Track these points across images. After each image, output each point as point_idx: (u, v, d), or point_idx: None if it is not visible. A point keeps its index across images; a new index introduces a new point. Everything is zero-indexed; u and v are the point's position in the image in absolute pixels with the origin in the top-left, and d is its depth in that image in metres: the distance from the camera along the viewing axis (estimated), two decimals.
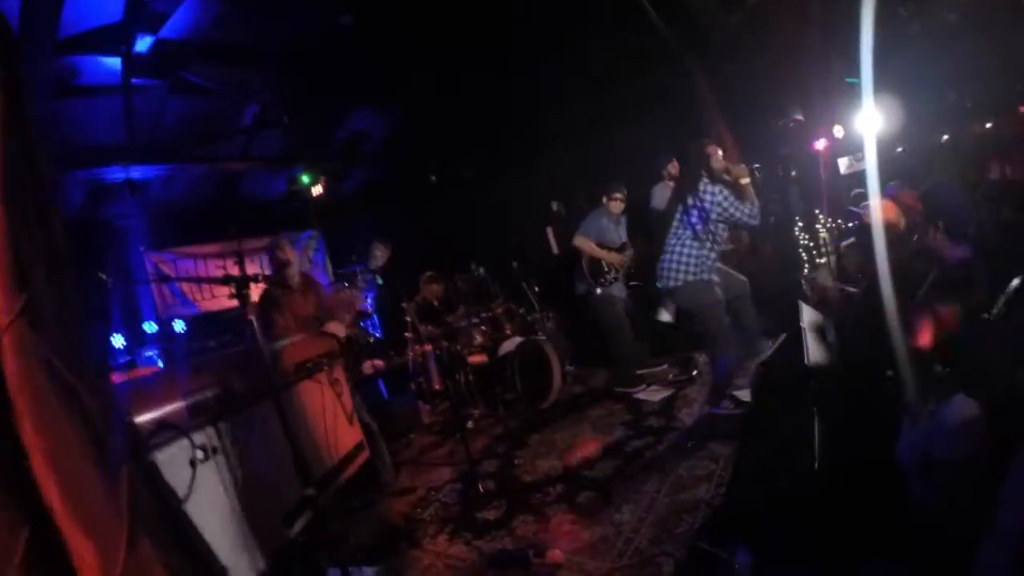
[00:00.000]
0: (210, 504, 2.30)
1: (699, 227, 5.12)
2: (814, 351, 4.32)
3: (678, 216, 5.25)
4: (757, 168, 5.61)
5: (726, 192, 5.03)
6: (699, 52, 8.30)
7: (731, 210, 5.04)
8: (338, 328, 4.36)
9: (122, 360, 7.88)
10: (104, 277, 2.62)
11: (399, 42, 7.58)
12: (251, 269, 9.57)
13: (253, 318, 2.44)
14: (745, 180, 5.01)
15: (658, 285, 5.37)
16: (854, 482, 2.99)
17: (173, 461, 2.15)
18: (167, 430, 2.06)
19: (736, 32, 7.94)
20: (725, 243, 5.38)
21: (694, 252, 5.13)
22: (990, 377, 2.32)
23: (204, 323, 8.85)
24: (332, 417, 3.31)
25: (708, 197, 5.06)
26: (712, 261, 5.19)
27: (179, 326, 8.59)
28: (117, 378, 2.63)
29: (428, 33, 7.43)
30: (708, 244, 5.14)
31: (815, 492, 3.21)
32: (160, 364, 8.39)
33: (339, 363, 3.55)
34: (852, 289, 5.00)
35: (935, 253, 2.88)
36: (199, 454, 2.25)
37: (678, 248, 5.18)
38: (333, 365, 3.44)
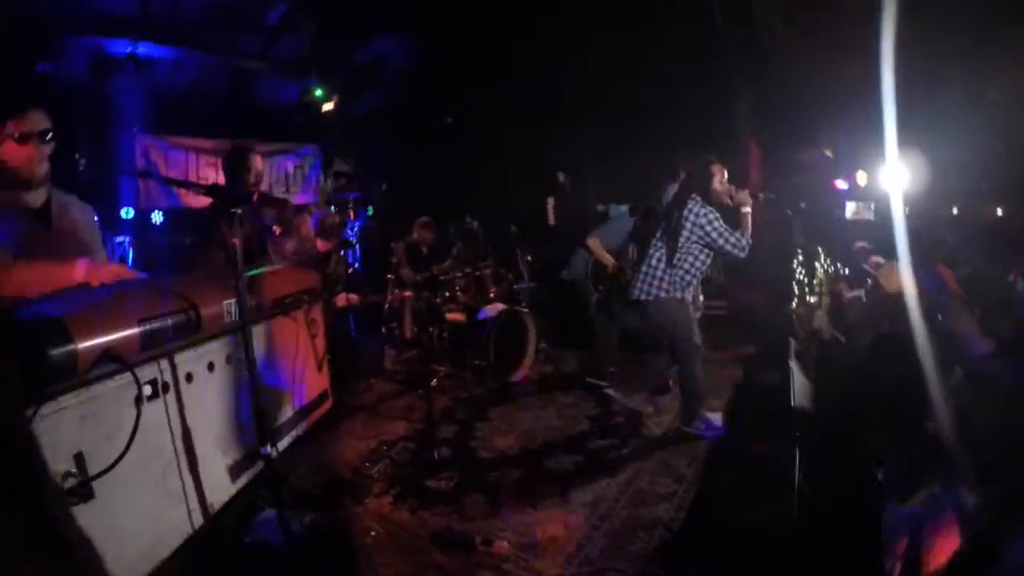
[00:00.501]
0: (152, 448, 2.07)
1: (673, 246, 4.87)
2: (800, 390, 4.17)
3: (660, 230, 5.04)
4: (771, 197, 5.38)
5: (713, 216, 4.76)
6: (749, 60, 8.05)
7: (714, 236, 4.75)
8: None
9: None
10: (78, 158, 2.35)
11: None
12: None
13: (233, 240, 2.17)
14: (746, 209, 4.82)
15: (631, 296, 5.13)
16: (832, 535, 2.87)
17: (116, 398, 1.89)
18: (110, 361, 1.80)
19: (790, 51, 7.72)
20: (707, 270, 5.08)
21: (666, 270, 4.90)
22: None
23: (184, 217, 8.50)
24: (303, 361, 3.07)
25: (692, 218, 4.78)
26: (686, 282, 4.95)
27: (157, 217, 8.27)
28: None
29: None
30: (683, 267, 4.89)
31: (788, 537, 3.09)
32: (130, 253, 8.11)
33: (319, 301, 3.31)
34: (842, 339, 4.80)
35: (960, 339, 2.72)
36: (147, 390, 2.00)
37: (653, 263, 4.97)
38: (313, 303, 3.20)
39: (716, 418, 5.18)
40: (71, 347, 1.72)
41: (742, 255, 4.78)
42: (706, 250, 4.89)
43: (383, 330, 7.10)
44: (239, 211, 2.21)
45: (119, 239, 8.11)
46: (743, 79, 8.57)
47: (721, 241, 4.73)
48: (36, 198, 2.56)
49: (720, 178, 4.87)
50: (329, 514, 3.87)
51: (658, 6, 7.46)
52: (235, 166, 4.40)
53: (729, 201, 4.87)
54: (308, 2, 7.90)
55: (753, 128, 8.68)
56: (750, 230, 4.80)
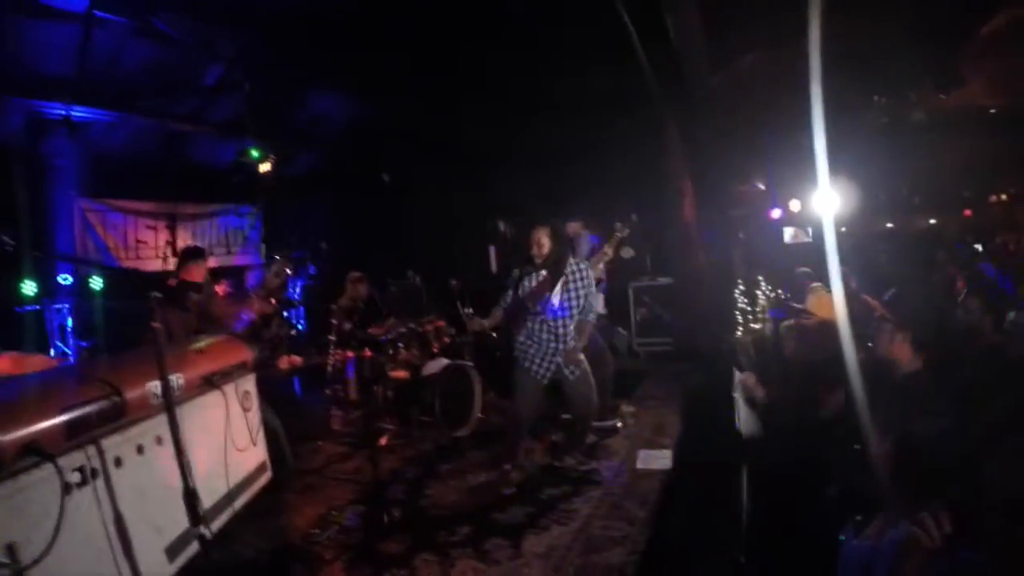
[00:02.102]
0: (84, 535, 2.03)
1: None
2: (745, 420, 4.23)
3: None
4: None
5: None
6: (677, 102, 8.28)
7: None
8: None
9: (29, 308, 7.53)
10: (6, 239, 2.30)
11: (376, 31, 7.33)
12: (182, 236, 9.26)
13: (157, 323, 2.16)
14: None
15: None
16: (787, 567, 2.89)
17: (42, 488, 1.86)
18: (32, 453, 1.77)
19: (717, 91, 7.96)
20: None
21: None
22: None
23: (123, 281, 8.35)
24: (235, 436, 3.02)
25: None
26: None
27: (96, 282, 8.12)
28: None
29: (408, 29, 7.21)
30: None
31: None
32: (69, 321, 7.96)
33: (251, 375, 3.26)
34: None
35: (893, 362, 2.79)
36: (75, 477, 1.97)
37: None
38: (245, 376, 3.16)
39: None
40: None
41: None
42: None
43: (327, 391, 7.02)
44: (158, 296, 2.20)
45: (57, 306, 7.98)
46: (674, 121, 8.79)
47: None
48: None
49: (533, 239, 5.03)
50: None
51: (590, 55, 7.63)
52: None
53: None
54: (244, 62, 7.90)
55: (687, 167, 8.88)
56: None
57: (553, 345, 4.98)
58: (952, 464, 2.30)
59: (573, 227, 6.45)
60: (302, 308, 10.49)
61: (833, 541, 2.52)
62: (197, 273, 4.63)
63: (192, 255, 4.87)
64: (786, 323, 5.50)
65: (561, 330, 4.97)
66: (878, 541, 2.31)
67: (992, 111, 9.17)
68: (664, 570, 3.70)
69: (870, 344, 2.92)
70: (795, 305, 5.50)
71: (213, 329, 4.12)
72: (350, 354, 6.70)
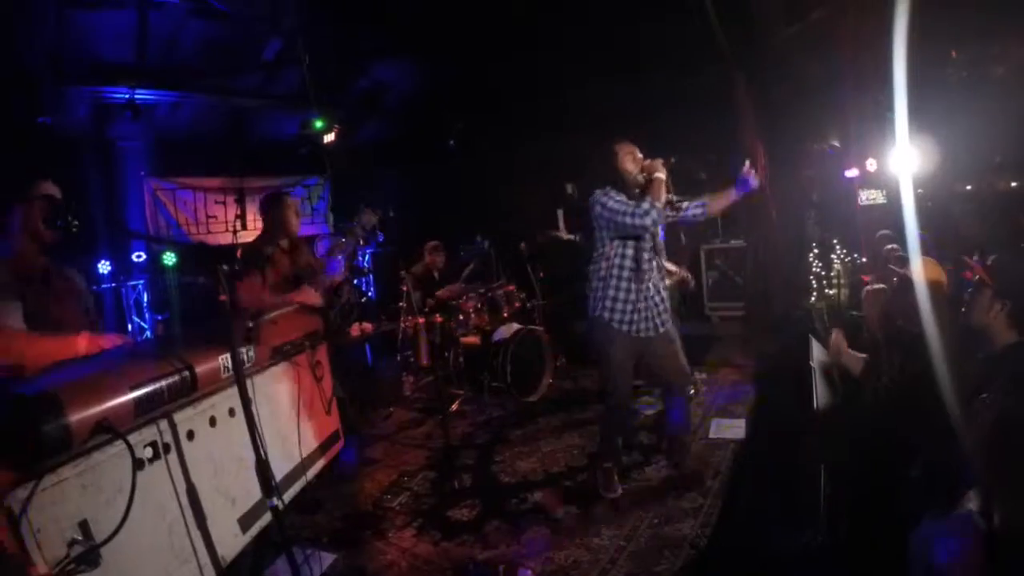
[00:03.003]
0: (157, 508, 2.07)
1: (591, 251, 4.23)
2: (823, 395, 4.08)
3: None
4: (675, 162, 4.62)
5: (609, 196, 3.97)
6: (749, 58, 8.00)
7: (608, 214, 3.95)
8: (310, 295, 3.99)
9: (106, 286, 7.78)
10: (73, 221, 2.39)
11: None
12: (251, 210, 9.41)
13: (227, 290, 2.17)
14: (657, 174, 3.95)
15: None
16: (862, 551, 2.78)
17: (114, 464, 1.89)
18: (103, 432, 1.80)
19: (790, 45, 7.65)
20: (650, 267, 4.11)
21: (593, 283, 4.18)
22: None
23: (193, 256, 8.59)
24: (308, 405, 3.04)
25: (596, 208, 4.05)
26: (612, 295, 4.08)
27: (169, 258, 8.35)
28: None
29: None
30: (599, 274, 4.13)
31: (816, 555, 3.01)
32: (145, 296, 8.22)
33: (323, 343, 3.28)
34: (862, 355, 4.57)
35: (986, 332, 2.62)
36: (147, 452, 2.00)
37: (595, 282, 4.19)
38: (316, 345, 3.18)
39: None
40: (63, 420, 1.72)
41: (647, 222, 3.79)
42: (628, 243, 4.04)
43: (399, 358, 7.09)
44: (226, 268, 2.20)
45: (132, 283, 8.25)
46: (744, 76, 8.52)
47: (620, 217, 3.88)
48: (40, 263, 2.67)
49: (629, 156, 4.09)
50: (350, 551, 3.86)
51: (654, 8, 7.42)
52: (273, 214, 4.58)
53: (642, 177, 4.06)
54: (304, 34, 7.92)
55: (757, 124, 8.61)
56: (663, 196, 3.91)
57: (657, 298, 4.12)
58: None
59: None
60: (371, 276, 10.59)
61: (914, 526, 2.39)
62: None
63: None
64: (869, 287, 5.27)
65: (662, 275, 4.20)
66: (964, 526, 2.16)
67: None
68: (737, 545, 3.62)
69: (963, 310, 2.75)
70: (895, 268, 5.20)
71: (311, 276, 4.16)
72: (421, 320, 6.74)
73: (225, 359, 2.31)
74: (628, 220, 3.84)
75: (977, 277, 2.66)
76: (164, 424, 2.10)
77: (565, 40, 8.25)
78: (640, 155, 4.12)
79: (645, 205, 3.79)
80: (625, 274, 4.03)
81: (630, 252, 4.03)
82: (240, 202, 9.39)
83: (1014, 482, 2.10)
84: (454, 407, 6.39)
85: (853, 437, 3.43)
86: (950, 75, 8.00)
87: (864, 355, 3.90)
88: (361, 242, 5.08)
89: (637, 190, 4.04)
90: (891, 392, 3.30)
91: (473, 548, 3.80)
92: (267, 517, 2.51)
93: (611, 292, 4.05)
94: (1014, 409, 2.28)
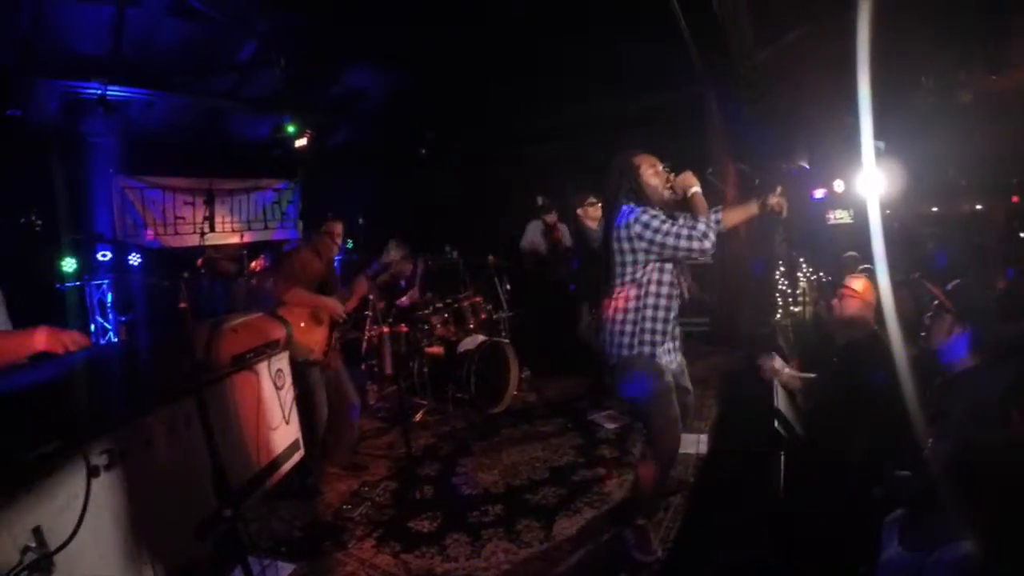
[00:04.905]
0: (112, 518, 2.04)
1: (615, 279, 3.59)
2: (784, 411, 4.12)
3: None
4: (711, 174, 4.16)
5: (650, 215, 3.40)
6: (721, 78, 8.11)
7: (660, 238, 3.36)
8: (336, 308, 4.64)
9: (70, 285, 7.67)
10: (35, 220, 2.34)
11: (413, 4, 7.24)
12: (220, 211, 9.32)
13: (184, 303, 2.15)
14: (695, 189, 3.50)
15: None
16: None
17: (69, 471, 1.87)
18: (60, 437, 1.78)
19: (763, 67, 7.77)
20: (676, 296, 3.63)
21: (625, 314, 3.56)
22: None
23: (161, 258, 8.50)
24: (266, 415, 3.01)
25: (624, 231, 3.46)
26: (654, 328, 3.54)
27: (135, 259, 8.25)
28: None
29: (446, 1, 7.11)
30: (638, 304, 3.54)
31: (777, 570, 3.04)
32: (109, 297, 8.11)
33: (285, 353, 3.26)
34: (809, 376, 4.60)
35: (941, 353, 2.67)
36: (103, 459, 1.97)
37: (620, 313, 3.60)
38: (277, 355, 3.15)
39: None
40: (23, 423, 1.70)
41: (706, 245, 3.30)
42: (664, 267, 3.53)
43: (363, 367, 7.05)
44: (186, 275, 2.18)
45: (97, 282, 8.13)
46: (716, 98, 8.64)
47: (672, 240, 3.33)
48: None
49: (652, 170, 3.61)
50: (309, 561, 3.82)
51: (632, 30, 7.49)
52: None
53: (671, 193, 3.60)
54: (280, 37, 7.87)
55: (728, 142, 8.72)
56: (707, 209, 3.47)
57: (674, 325, 3.68)
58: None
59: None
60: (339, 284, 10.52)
61: (873, 545, 2.41)
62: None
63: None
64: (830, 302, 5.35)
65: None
66: (927, 554, 2.17)
67: None
68: (697, 559, 3.64)
69: (923, 334, 2.80)
70: (834, 282, 5.28)
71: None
72: (386, 329, 6.70)
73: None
74: (684, 244, 3.31)
75: (936, 302, 2.71)
76: (120, 432, 2.07)
77: (540, 56, 8.29)
78: (662, 168, 3.64)
79: (701, 227, 3.30)
80: (663, 302, 3.53)
81: (667, 277, 3.54)
82: (209, 204, 9.28)
83: (975, 508, 2.13)
84: (417, 417, 6.37)
85: (812, 453, 3.48)
86: (919, 100, 8.17)
87: (805, 375, 3.96)
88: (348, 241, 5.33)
89: (660, 207, 3.53)
90: (830, 411, 3.36)
91: (433, 560, 3.78)
92: (224, 526, 2.49)
93: (648, 324, 3.51)
94: (974, 434, 2.33)
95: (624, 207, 3.50)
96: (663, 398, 3.52)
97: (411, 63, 8.93)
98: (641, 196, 3.54)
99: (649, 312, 3.51)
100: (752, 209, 3.65)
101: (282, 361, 3.26)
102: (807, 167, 8.97)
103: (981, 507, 2.04)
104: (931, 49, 7.35)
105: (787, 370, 4.07)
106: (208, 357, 2.50)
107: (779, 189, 3.59)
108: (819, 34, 7.14)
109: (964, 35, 7.03)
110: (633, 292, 3.51)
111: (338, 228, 4.95)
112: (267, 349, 3.04)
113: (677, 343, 3.74)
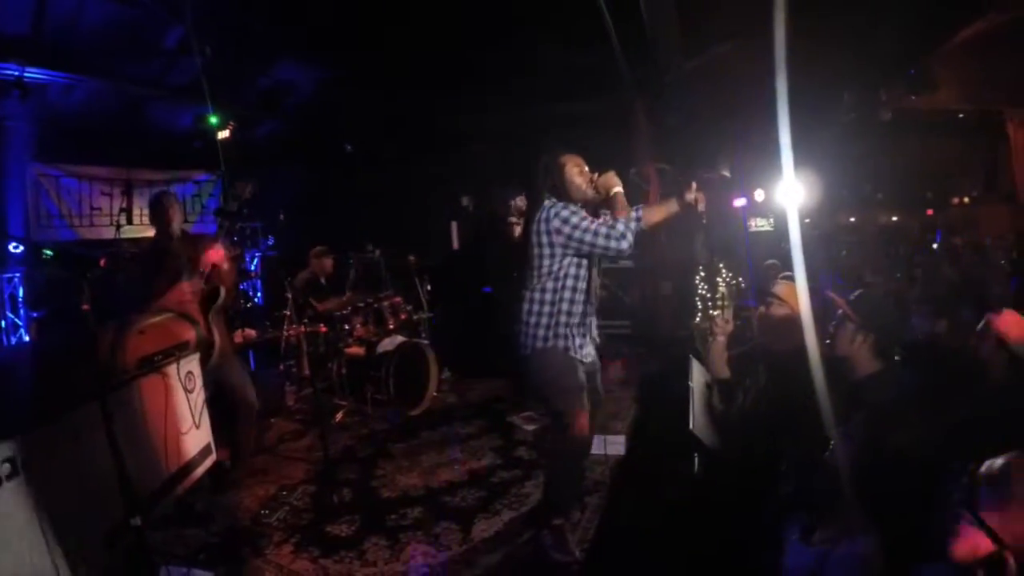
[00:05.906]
0: (16, 530, 1.96)
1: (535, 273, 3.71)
2: (699, 416, 4.21)
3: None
4: (663, 169, 4.19)
5: (571, 211, 3.53)
6: (648, 86, 8.24)
7: (578, 234, 3.50)
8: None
9: None
10: None
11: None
12: (138, 203, 9.01)
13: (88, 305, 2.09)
14: (617, 189, 3.61)
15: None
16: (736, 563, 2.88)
17: None
18: None
19: (689, 77, 7.92)
20: (594, 292, 3.85)
21: (540, 307, 3.70)
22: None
23: (67, 257, 8.13)
24: (176, 419, 2.94)
25: (544, 225, 3.58)
26: (567, 320, 3.70)
27: (47, 253, 7.88)
28: None
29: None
30: (553, 297, 3.69)
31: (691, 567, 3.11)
32: (20, 290, 7.86)
33: (195, 355, 3.17)
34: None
35: (850, 362, 2.79)
36: (5, 469, 1.89)
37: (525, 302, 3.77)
38: (186, 357, 3.07)
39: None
40: None
41: (623, 246, 3.41)
42: (582, 262, 3.68)
43: (282, 367, 6.94)
44: (90, 276, 2.12)
45: (7, 276, 7.78)
46: (643, 105, 8.78)
47: (590, 237, 3.46)
48: None
49: (577, 169, 3.71)
50: (227, 568, 3.75)
51: (562, 37, 7.55)
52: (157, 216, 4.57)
53: (594, 192, 3.69)
54: (207, 25, 7.64)
55: (652, 148, 8.88)
56: (628, 209, 3.56)
57: (590, 320, 3.91)
58: (916, 484, 2.25)
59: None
60: (259, 280, 10.32)
61: (779, 541, 2.51)
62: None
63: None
64: (759, 311, 5.48)
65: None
66: (829, 550, 2.27)
67: (960, 115, 9.31)
68: (615, 560, 3.70)
69: (828, 341, 2.91)
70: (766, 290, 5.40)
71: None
72: (303, 330, 6.61)
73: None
74: (602, 242, 3.45)
75: (840, 311, 2.83)
76: (22, 439, 1.99)
77: (467, 57, 8.29)
78: (587, 168, 3.75)
79: (620, 227, 3.41)
80: (579, 296, 3.69)
81: (583, 272, 3.69)
82: (127, 194, 8.98)
83: (878, 509, 2.23)
84: (337, 419, 6.31)
85: (727, 454, 3.57)
86: (840, 116, 8.47)
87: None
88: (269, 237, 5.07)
89: (581, 206, 3.67)
90: (750, 412, 3.45)
91: (352, 565, 3.76)
92: (133, 535, 2.42)
93: (563, 318, 3.65)
94: (876, 437, 2.44)
95: (546, 203, 3.63)
96: (575, 391, 3.65)
97: (339, 60, 8.83)
98: (564, 194, 3.68)
99: (565, 306, 3.66)
100: (672, 206, 3.62)
101: (192, 363, 3.18)
102: (728, 175, 9.19)
103: (879, 506, 2.16)
104: (853, 68, 7.62)
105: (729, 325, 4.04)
106: (114, 360, 2.42)
107: (694, 185, 3.61)
108: (744, 48, 7.35)
109: (885, 56, 7.30)
110: (550, 285, 3.66)
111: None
112: (176, 351, 2.98)
113: (590, 338, 3.92)
